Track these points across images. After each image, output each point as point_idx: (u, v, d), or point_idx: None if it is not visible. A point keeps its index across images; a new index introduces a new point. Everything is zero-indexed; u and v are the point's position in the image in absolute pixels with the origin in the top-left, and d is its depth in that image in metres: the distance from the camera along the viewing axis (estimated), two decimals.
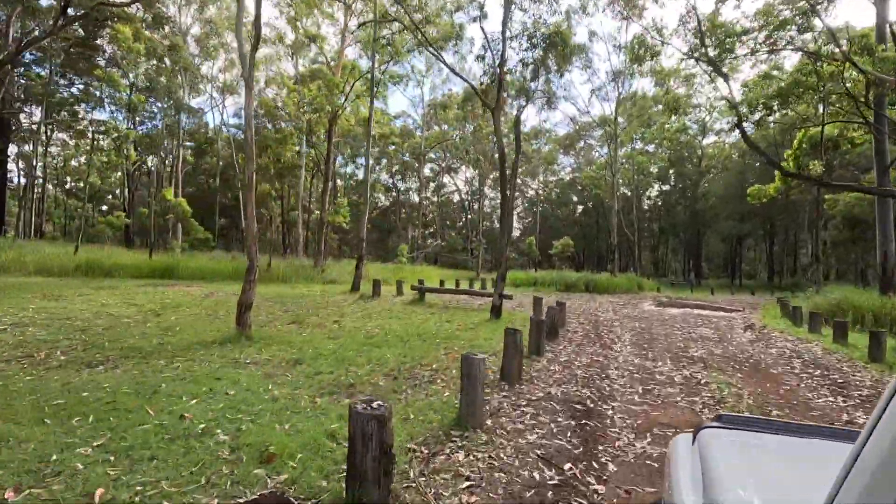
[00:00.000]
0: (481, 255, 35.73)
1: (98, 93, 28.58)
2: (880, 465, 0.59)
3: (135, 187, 41.57)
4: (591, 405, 4.78)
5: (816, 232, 19.38)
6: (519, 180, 62.18)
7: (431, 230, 44.50)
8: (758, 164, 38.17)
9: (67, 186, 48.48)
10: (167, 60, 27.75)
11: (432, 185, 56.08)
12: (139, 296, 11.16)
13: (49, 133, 34.66)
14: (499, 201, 63.99)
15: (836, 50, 13.04)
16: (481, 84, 13.50)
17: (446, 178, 59.18)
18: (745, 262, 43.29)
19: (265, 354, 6.06)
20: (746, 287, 36.74)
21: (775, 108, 13.66)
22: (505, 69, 10.87)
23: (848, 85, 13.45)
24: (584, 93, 72.78)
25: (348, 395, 4.56)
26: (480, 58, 12.72)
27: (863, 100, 13.44)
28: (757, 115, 14.18)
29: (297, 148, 26.24)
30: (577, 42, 27.33)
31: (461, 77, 12.52)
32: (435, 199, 49.85)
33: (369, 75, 17.10)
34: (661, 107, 42.26)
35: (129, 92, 21.34)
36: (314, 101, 18.54)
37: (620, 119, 33.41)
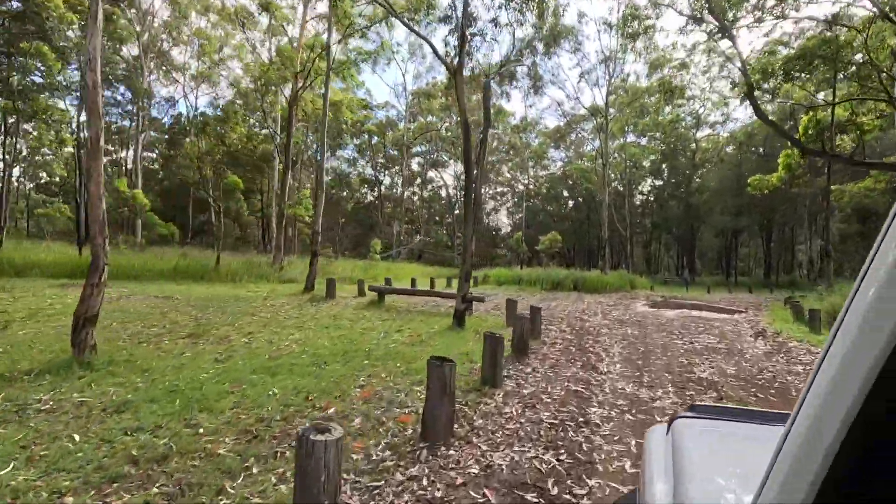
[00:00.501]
0: (466, 250, 33.93)
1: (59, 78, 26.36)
2: (802, 443, 0.60)
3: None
4: (555, 487, 2.93)
5: (826, 225, 17.74)
6: (508, 175, 60.62)
7: (416, 226, 42.54)
8: (754, 156, 36.65)
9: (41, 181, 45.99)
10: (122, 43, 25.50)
11: (420, 179, 54.21)
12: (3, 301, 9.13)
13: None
14: (488, 195, 62.28)
15: (857, 17, 11.32)
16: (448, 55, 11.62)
17: (433, 174, 57.38)
18: (739, 259, 41.81)
19: (88, 393, 4.14)
20: (742, 285, 35.21)
21: (795, 72, 11.87)
22: (470, 28, 9.05)
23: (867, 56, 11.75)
24: (574, 77, 70.92)
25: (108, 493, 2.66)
26: (446, 18, 10.83)
27: (886, 73, 11.74)
28: (771, 84, 12.38)
29: (262, 133, 24.16)
30: (567, 24, 25.56)
31: (417, 34, 10.61)
32: (422, 193, 47.90)
33: (331, 50, 15.11)
34: (653, 98, 40.71)
35: (59, 69, 19.19)
36: (265, 76, 16.54)
37: (612, 109, 31.72)
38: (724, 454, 1.34)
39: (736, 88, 15.16)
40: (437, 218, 54.46)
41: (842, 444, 0.55)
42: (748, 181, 18.66)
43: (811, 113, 19.23)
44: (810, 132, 18.56)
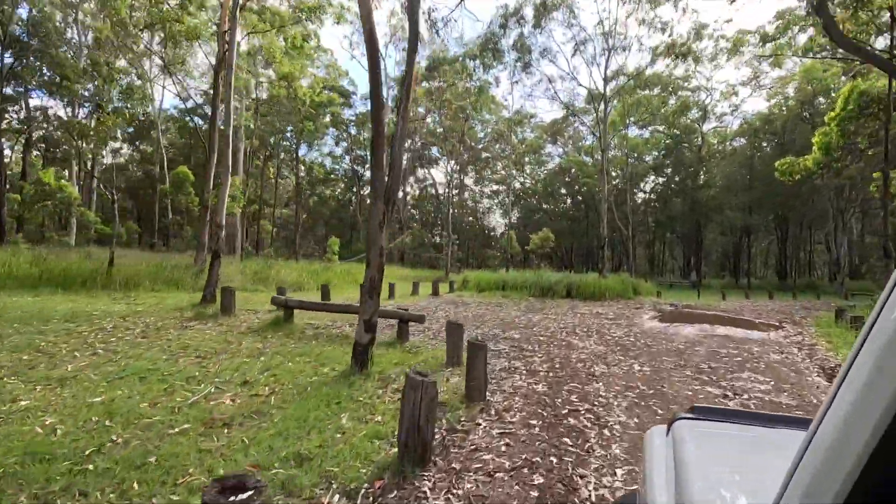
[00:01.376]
0: (451, 252, 30.58)
1: None
2: (829, 448, 0.59)
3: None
4: None
5: (885, 218, 14.40)
6: (503, 171, 57.26)
7: (400, 226, 39.23)
8: (768, 146, 33.36)
9: None
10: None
11: (410, 177, 50.85)
12: None
13: None
14: (480, 193, 59.01)
15: None
16: None
17: (424, 171, 54.07)
18: (747, 260, 38.45)
19: None
20: (756, 288, 31.91)
21: None
22: None
23: None
24: (568, 50, 67.23)
25: None
26: None
27: None
28: None
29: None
30: None
31: None
32: (405, 189, 44.56)
33: None
34: (656, 91, 37.45)
35: None
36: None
37: (612, 85, 28.48)
38: (726, 457, 1.33)
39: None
40: (425, 217, 51.20)
41: (873, 451, 0.53)
42: (776, 165, 15.43)
43: (849, 85, 15.96)
44: (850, 105, 15.28)
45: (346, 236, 38.36)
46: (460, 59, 26.14)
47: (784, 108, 28.70)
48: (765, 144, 33.18)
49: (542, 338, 8.72)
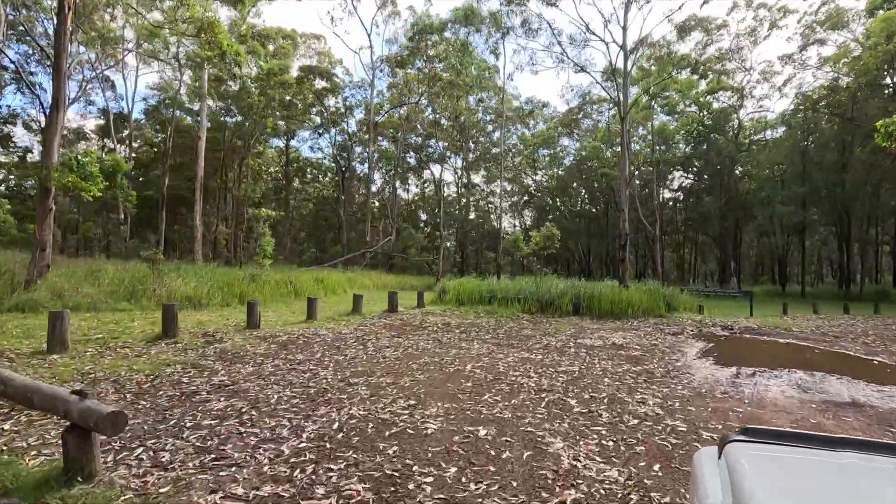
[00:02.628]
0: (443, 255, 26.03)
1: None
2: None
3: None
4: None
5: None
6: (514, 170, 52.37)
7: (389, 226, 34.79)
8: (829, 126, 27.78)
9: None
10: None
11: (397, 169, 46.61)
12: None
13: None
14: (489, 190, 54.31)
15: None
16: None
17: (428, 171, 49.70)
18: (801, 264, 32.65)
19: None
20: (815, 297, 26.33)
21: None
22: None
23: None
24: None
25: None
26: None
27: None
28: None
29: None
30: None
31: None
32: (394, 185, 40.11)
33: None
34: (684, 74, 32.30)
35: None
36: None
37: (631, 39, 23.63)
38: (792, 484, 1.24)
39: None
40: (436, 220, 46.68)
41: None
42: (877, 126, 10.51)
43: None
44: None
45: (329, 238, 34.14)
46: (447, 25, 21.76)
47: (851, 76, 23.27)
48: (823, 125, 27.59)
49: (484, 435, 4.09)
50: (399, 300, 13.17)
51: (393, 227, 30.25)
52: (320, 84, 34.36)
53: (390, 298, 12.75)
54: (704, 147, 36.49)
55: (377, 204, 34.25)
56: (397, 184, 41.20)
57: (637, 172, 39.05)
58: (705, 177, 39.10)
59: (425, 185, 43.88)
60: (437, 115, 36.67)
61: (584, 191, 45.54)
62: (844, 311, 17.63)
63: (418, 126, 36.43)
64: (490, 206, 57.41)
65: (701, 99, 33.01)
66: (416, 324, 10.60)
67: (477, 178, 56.32)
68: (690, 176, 42.14)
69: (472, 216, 57.66)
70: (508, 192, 55.40)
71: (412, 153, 41.85)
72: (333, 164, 32.84)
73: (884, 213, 27.05)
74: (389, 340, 8.26)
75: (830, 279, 47.10)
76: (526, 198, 51.05)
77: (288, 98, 28.12)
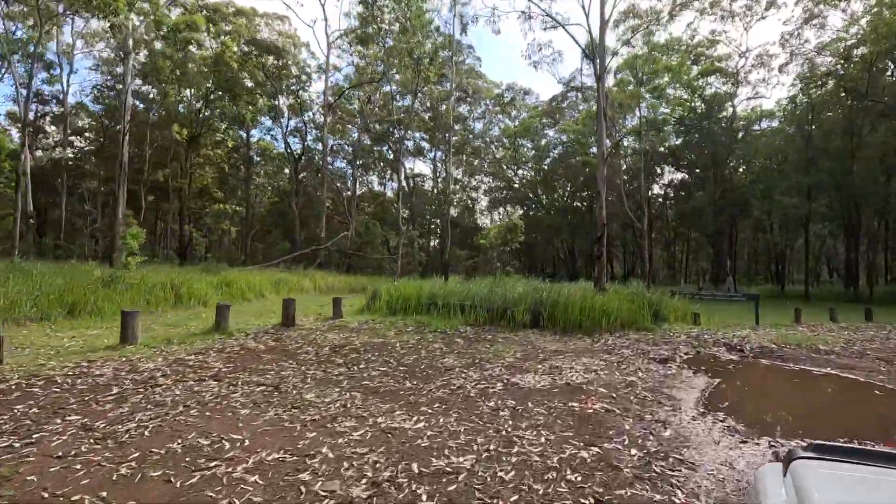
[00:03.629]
0: (401, 254, 22.80)
1: None
2: None
3: None
4: None
5: None
6: (497, 164, 49.15)
7: (346, 221, 31.33)
8: (836, 108, 24.88)
9: None
10: None
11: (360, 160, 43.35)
12: None
13: None
14: (485, 187, 51.10)
15: None
16: None
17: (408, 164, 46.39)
18: (805, 261, 29.82)
19: None
20: (821, 300, 23.47)
21: None
22: None
23: None
24: None
25: None
26: None
27: None
28: None
29: None
30: None
31: None
32: (356, 174, 36.71)
33: None
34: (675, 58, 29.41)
35: None
36: None
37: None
38: (860, 502, 1.18)
39: None
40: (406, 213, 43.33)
41: None
42: None
43: None
44: None
45: (280, 234, 30.64)
46: None
47: (865, 47, 20.36)
48: (829, 113, 24.63)
49: None
50: (346, 305, 9.95)
51: (351, 222, 26.91)
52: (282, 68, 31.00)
53: (285, 308, 9.49)
54: (697, 136, 33.57)
55: (343, 197, 30.85)
56: (372, 177, 37.88)
57: (624, 167, 36.09)
58: (697, 170, 36.21)
59: (407, 179, 40.48)
60: (404, 96, 33.37)
61: (569, 185, 42.50)
62: (866, 318, 14.62)
63: (386, 111, 33.12)
64: (471, 201, 54.37)
65: (693, 83, 30.11)
66: (291, 349, 7.36)
67: (459, 173, 53.28)
68: (682, 170, 39.32)
69: (453, 212, 54.71)
70: (493, 187, 52.43)
71: (386, 145, 38.54)
72: (288, 152, 29.27)
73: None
74: (188, 390, 5.00)
75: (827, 278, 44.55)
76: (508, 193, 47.92)
77: (230, 75, 24.69)
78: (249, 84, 28.26)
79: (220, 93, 27.15)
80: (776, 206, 24.25)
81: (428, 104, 40.87)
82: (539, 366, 6.55)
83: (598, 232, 12.02)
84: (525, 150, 45.41)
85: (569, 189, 41.55)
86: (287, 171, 31.75)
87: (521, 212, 52.70)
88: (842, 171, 22.79)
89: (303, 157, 31.82)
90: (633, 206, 30.64)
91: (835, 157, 23.34)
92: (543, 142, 43.82)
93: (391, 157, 40.16)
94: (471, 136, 48.44)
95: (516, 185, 46.56)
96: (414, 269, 24.80)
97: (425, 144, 47.13)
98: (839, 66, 21.77)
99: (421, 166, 56.21)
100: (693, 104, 35.09)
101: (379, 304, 11.87)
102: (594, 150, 37.44)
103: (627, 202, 28.35)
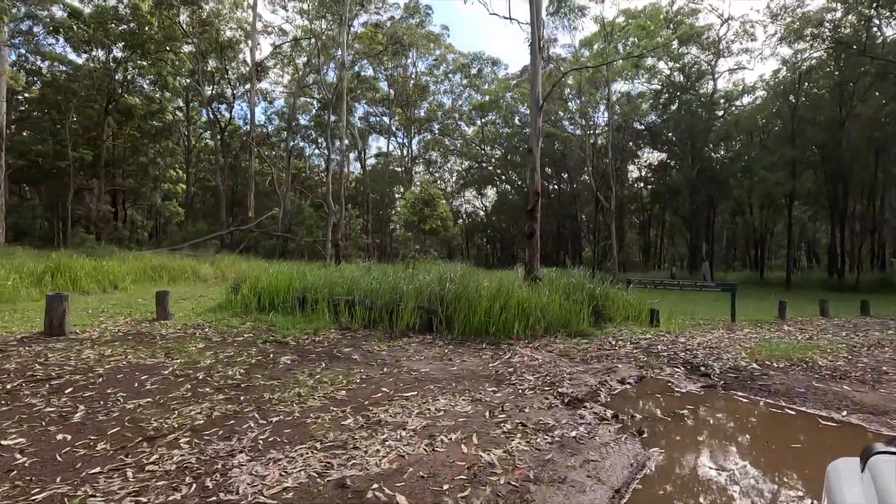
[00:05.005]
0: (340, 233, 19.67)
1: None
2: None
3: None
4: None
5: None
6: (466, 142, 45.91)
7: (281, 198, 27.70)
8: (828, 70, 22.29)
9: None
10: None
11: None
12: None
13: None
14: (444, 167, 47.86)
15: None
16: None
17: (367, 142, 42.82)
18: (788, 246, 27.62)
19: None
20: (802, 287, 21.25)
21: None
22: None
23: None
24: None
25: None
26: None
27: None
28: None
29: None
30: None
31: None
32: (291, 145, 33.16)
33: None
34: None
35: None
36: None
37: None
38: None
39: None
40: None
41: None
42: None
43: None
44: None
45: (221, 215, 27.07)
46: None
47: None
48: (819, 86, 22.01)
49: None
50: (210, 299, 6.89)
51: (282, 201, 23.60)
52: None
53: (48, 306, 6.41)
54: (674, 110, 30.87)
55: (289, 174, 27.31)
56: (333, 154, 34.24)
57: (601, 142, 33.29)
58: (675, 147, 33.58)
59: (361, 153, 37.03)
60: (355, 63, 29.86)
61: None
62: (862, 312, 12.12)
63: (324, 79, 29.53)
64: (442, 182, 51.19)
65: (670, 45, 27.27)
66: None
67: (434, 154, 49.87)
68: (661, 150, 36.73)
69: (416, 190, 51.43)
70: (465, 168, 49.28)
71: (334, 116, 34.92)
72: (212, 120, 25.45)
73: (887, 181, 21.90)
74: None
75: (805, 263, 42.82)
76: (477, 173, 44.88)
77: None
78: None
79: (133, 51, 23.33)
80: (757, 184, 21.72)
81: (383, 73, 37.45)
82: (352, 418, 3.66)
83: (530, 203, 9.07)
84: (496, 126, 42.30)
85: (554, 169, 38.60)
86: (213, 143, 27.90)
87: (493, 193, 50.14)
88: (830, 141, 20.32)
89: (228, 127, 28.09)
90: (600, 181, 27.94)
91: (823, 128, 20.86)
92: (517, 119, 40.69)
93: (360, 136, 36.67)
94: (439, 112, 45.30)
95: (483, 164, 43.50)
96: (355, 255, 21.77)
97: (386, 120, 43.82)
98: (833, 15, 19.03)
99: (388, 146, 52.65)
100: (672, 76, 32.41)
101: (238, 298, 8.84)
102: (575, 129, 34.57)
103: (597, 180, 25.62)
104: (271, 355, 5.73)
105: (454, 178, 50.87)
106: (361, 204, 37.09)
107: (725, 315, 11.01)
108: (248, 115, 26.55)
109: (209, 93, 24.54)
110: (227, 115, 28.31)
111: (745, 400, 4.53)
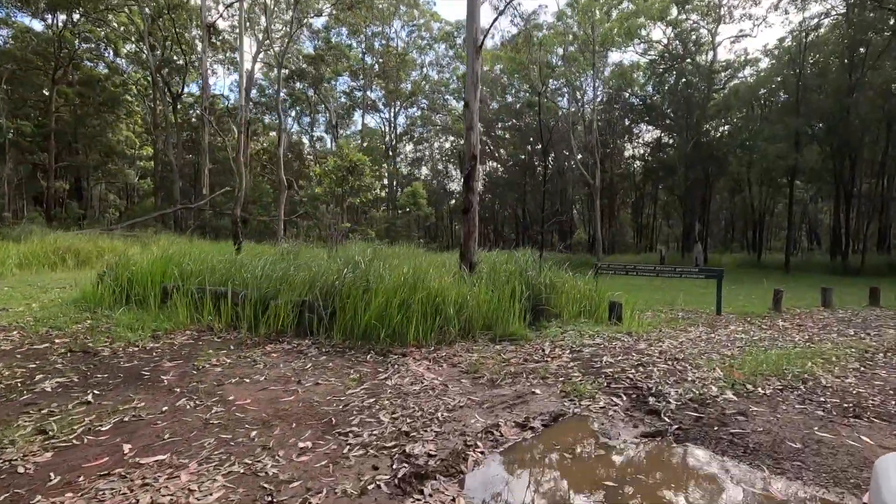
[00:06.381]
0: (283, 210, 17.83)
1: None
2: None
3: None
4: None
5: None
6: (455, 117, 43.62)
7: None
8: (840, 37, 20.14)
9: None
10: None
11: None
12: None
13: None
14: (435, 150, 45.71)
15: None
16: None
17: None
18: (788, 227, 25.79)
19: None
20: (803, 270, 19.55)
21: None
22: None
23: None
24: None
25: None
26: None
27: None
28: None
29: None
30: None
31: None
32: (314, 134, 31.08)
33: None
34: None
35: None
36: None
37: None
38: None
39: None
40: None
41: None
42: None
43: None
44: None
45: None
46: None
47: None
48: (828, 51, 19.88)
49: None
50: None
51: (243, 177, 21.58)
52: None
53: None
54: (671, 80, 28.69)
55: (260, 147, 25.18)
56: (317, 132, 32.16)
57: (598, 121, 31.14)
58: (670, 121, 31.43)
59: (334, 128, 34.89)
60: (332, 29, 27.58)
61: (532, 138, 37.34)
62: (871, 301, 10.39)
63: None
64: (431, 161, 49.06)
65: (668, 7, 25.02)
66: None
67: (425, 131, 47.54)
68: (657, 126, 34.53)
69: (404, 170, 49.29)
70: (453, 146, 47.06)
71: (312, 88, 32.65)
72: (160, 87, 23.07)
73: None
74: None
75: (806, 245, 41.02)
76: (462, 147, 42.67)
77: None
78: None
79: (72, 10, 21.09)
80: (758, 159, 19.78)
81: (359, 43, 35.10)
82: None
83: (465, 168, 7.17)
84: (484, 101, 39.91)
85: (532, 144, 36.46)
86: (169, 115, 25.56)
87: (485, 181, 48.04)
88: (837, 110, 18.33)
89: (181, 96, 25.87)
90: (588, 158, 25.99)
91: (830, 95, 18.84)
92: (508, 95, 38.22)
93: (320, 104, 34.41)
94: (426, 85, 42.90)
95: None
96: (316, 236, 20.00)
97: (370, 95, 41.43)
98: None
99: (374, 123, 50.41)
100: (669, 46, 30.10)
101: (100, 289, 7.10)
102: (561, 100, 32.31)
103: (585, 156, 23.68)
104: (38, 376, 4.01)
105: (442, 157, 48.78)
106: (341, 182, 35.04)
107: (707, 305, 9.32)
108: (213, 86, 24.38)
109: (158, 57, 22.31)
110: (193, 86, 26.15)
111: (703, 464, 2.82)
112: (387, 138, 43.40)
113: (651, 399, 3.69)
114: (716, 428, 3.19)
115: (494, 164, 40.65)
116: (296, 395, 3.79)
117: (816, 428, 3.24)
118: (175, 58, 23.56)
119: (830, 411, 3.60)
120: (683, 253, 26.69)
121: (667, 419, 3.34)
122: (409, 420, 3.26)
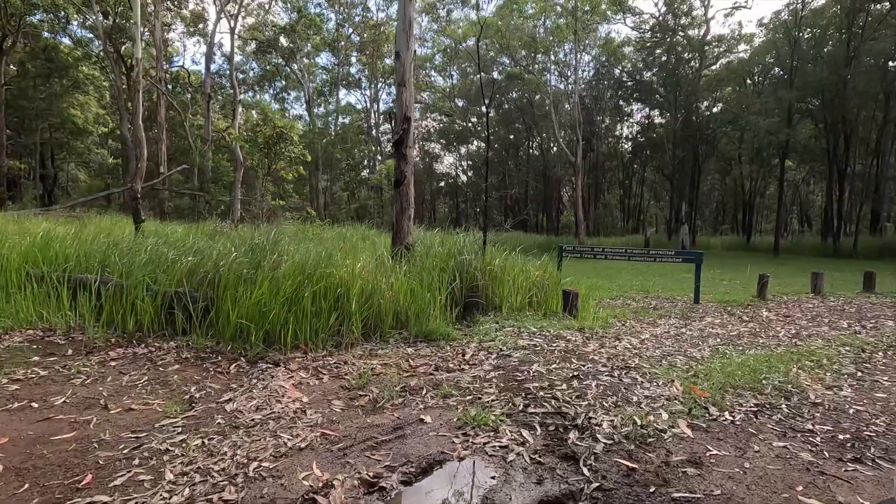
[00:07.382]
0: (239, 193, 16.56)
1: None
2: None
3: None
4: None
5: None
6: (440, 92, 41.91)
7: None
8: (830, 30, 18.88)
9: None
10: None
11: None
12: None
13: None
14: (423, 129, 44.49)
15: None
16: None
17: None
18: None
19: None
20: (793, 253, 18.72)
21: None
22: None
23: None
24: None
25: None
26: None
27: None
28: None
29: None
30: None
31: None
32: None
33: None
34: None
35: None
36: None
37: None
38: None
39: None
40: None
41: None
42: None
43: None
44: None
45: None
46: None
47: None
48: (826, 16, 18.61)
49: None
50: None
51: (195, 155, 20.17)
52: None
53: None
54: (661, 53, 27.33)
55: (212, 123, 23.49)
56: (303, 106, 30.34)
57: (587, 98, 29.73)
58: (660, 97, 30.13)
59: (308, 103, 33.24)
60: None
61: (523, 117, 35.86)
62: (866, 287, 9.45)
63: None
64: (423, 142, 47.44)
65: None
66: None
67: (416, 112, 45.73)
68: (646, 105, 33.19)
69: (388, 150, 47.65)
70: (439, 125, 45.50)
71: (287, 63, 30.92)
72: (108, 55, 21.14)
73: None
74: None
75: (797, 227, 40.29)
76: (445, 125, 41.30)
77: None
78: None
79: None
80: (749, 134, 18.69)
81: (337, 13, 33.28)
82: None
83: (396, 132, 5.96)
84: (470, 78, 38.29)
85: (523, 122, 35.01)
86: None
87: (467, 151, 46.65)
88: (833, 83, 17.21)
89: (133, 67, 23.97)
90: (571, 136, 24.77)
91: (826, 64, 17.70)
92: (497, 74, 36.50)
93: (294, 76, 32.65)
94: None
95: (457, 120, 39.72)
96: (276, 217, 18.78)
97: (349, 70, 39.63)
98: None
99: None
100: (660, 19, 28.62)
101: None
102: (560, 82, 30.80)
103: (568, 133, 22.44)
104: None
105: (432, 136, 47.26)
106: (326, 165, 33.61)
107: (685, 293, 8.33)
108: (184, 59, 22.70)
109: (105, 22, 20.57)
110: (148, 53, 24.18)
111: None
112: (371, 118, 41.75)
113: (573, 435, 2.64)
114: (652, 490, 2.15)
115: (482, 144, 39.28)
116: (81, 429, 2.71)
117: (801, 487, 2.20)
118: (125, 23, 21.90)
119: (821, 451, 2.57)
120: (670, 235, 25.74)
121: (585, 471, 2.30)
122: (198, 478, 2.19)
